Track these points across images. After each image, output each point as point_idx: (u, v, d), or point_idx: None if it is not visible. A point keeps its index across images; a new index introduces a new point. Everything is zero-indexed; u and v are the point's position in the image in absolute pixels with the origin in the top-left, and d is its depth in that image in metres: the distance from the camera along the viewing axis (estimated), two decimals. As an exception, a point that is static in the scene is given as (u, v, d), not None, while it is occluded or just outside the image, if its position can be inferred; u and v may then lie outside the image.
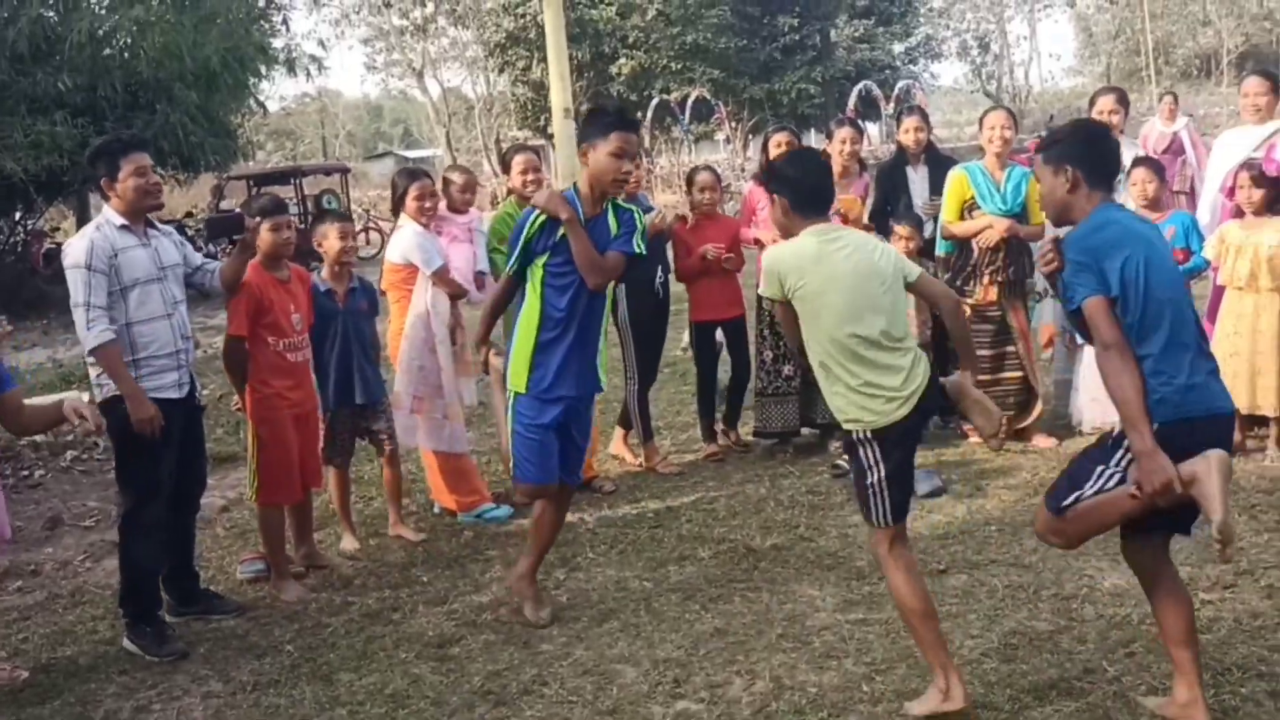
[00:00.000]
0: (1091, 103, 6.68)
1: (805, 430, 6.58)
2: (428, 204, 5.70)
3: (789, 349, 6.42)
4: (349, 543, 5.51)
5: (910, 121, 6.99)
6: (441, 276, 5.60)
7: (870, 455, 3.46)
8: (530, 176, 5.93)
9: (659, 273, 6.28)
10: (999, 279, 6.18)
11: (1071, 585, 4.36)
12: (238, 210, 5.30)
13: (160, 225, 4.71)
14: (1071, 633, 3.98)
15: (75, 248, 4.42)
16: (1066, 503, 3.30)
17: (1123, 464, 3.20)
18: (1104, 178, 3.30)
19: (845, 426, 3.51)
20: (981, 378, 6.14)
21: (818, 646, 4.03)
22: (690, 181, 6.72)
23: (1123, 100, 6.56)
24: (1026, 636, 3.97)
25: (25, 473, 7.30)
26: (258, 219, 4.86)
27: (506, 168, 6.13)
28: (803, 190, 3.61)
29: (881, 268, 3.51)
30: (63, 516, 6.39)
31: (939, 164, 6.81)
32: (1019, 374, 6.26)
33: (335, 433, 5.45)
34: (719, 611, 4.41)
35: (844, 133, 6.80)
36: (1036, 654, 3.84)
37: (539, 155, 6.23)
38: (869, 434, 3.44)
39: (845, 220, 6.47)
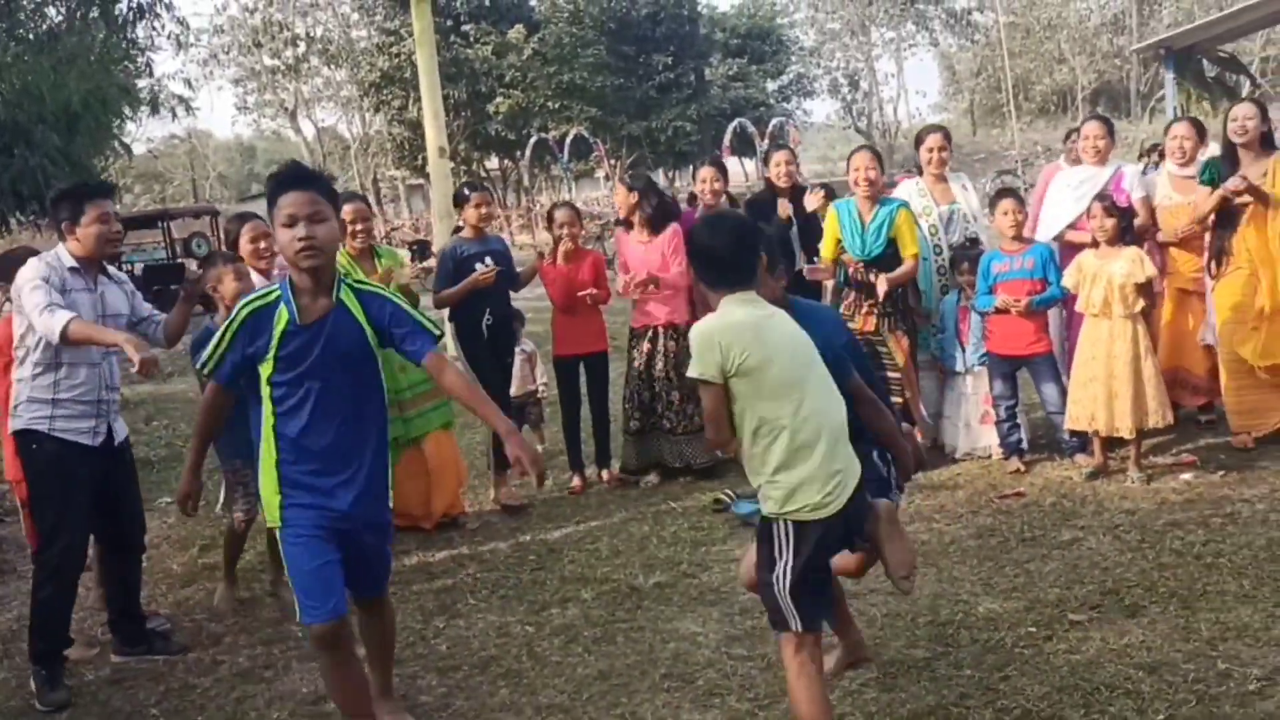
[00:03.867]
0: (919, 141, 6.92)
1: (683, 479, 6.60)
2: (263, 245, 5.39)
3: (666, 390, 6.52)
4: (224, 601, 5.31)
5: (780, 156, 7.31)
6: None
7: (783, 546, 3.17)
8: (359, 227, 5.92)
9: (485, 314, 6.34)
10: (875, 310, 6.36)
11: (947, 612, 4.44)
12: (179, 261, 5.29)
13: (114, 273, 4.73)
14: (948, 659, 4.04)
15: (29, 269, 4.42)
16: None
17: None
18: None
19: (767, 513, 3.20)
20: None
21: (701, 685, 4.01)
22: (550, 219, 6.79)
23: (948, 137, 6.89)
24: (905, 665, 4.02)
25: None
26: (200, 272, 4.83)
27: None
28: (716, 262, 3.25)
29: (807, 341, 3.24)
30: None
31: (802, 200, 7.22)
32: (900, 400, 6.38)
33: (238, 483, 5.21)
34: (602, 654, 4.36)
35: (705, 172, 7.06)
36: (915, 682, 3.88)
37: (368, 204, 6.30)
38: (789, 525, 3.16)
39: None
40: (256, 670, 4.54)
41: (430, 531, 6.07)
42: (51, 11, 19.64)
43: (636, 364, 6.66)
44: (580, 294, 6.53)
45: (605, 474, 6.81)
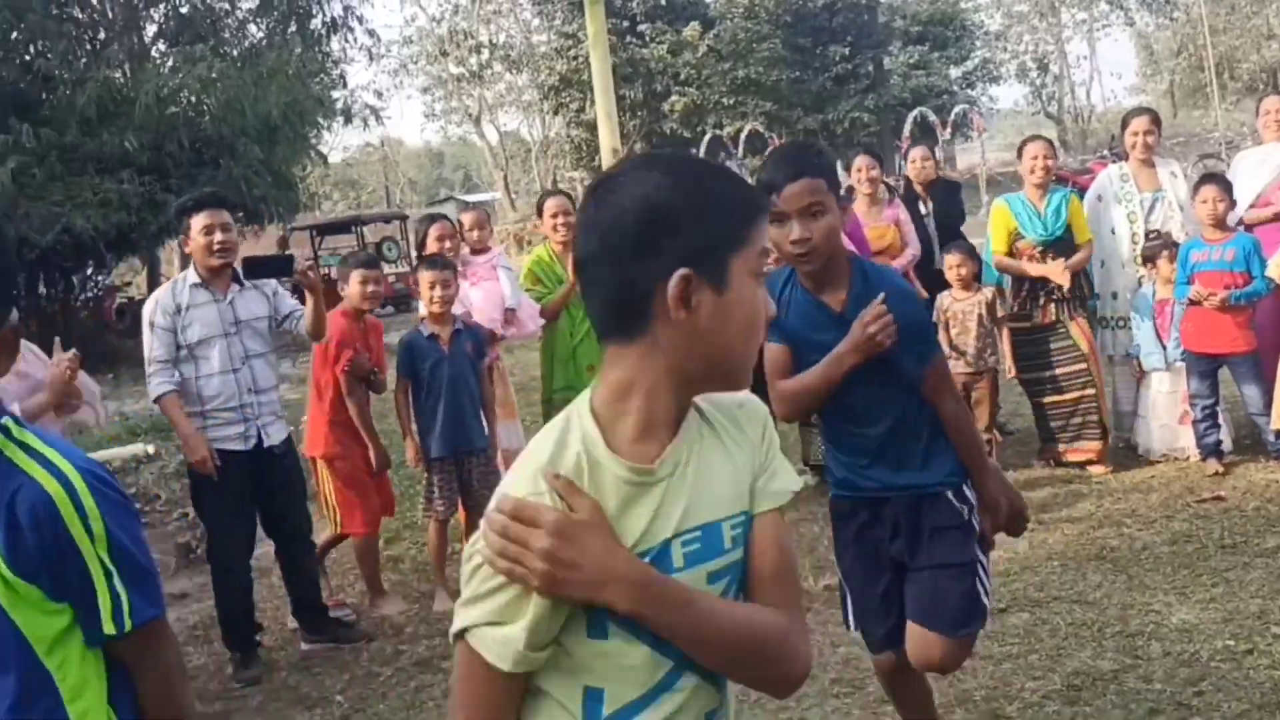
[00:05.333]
0: (1124, 124, 6.58)
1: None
2: (449, 245, 5.78)
3: None
4: (442, 603, 5.20)
5: (916, 153, 7.52)
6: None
7: None
8: (561, 221, 6.00)
9: None
10: (1054, 297, 6.18)
11: (1137, 622, 4.21)
12: (283, 253, 5.47)
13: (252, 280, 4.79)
14: (1137, 672, 3.83)
15: (146, 306, 4.71)
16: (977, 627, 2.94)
17: (978, 542, 2.93)
18: None
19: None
20: (1051, 399, 6.25)
21: (872, 692, 3.91)
22: None
23: (1156, 121, 6.49)
24: (1090, 677, 3.83)
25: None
26: (307, 263, 4.95)
27: (540, 213, 6.21)
28: None
29: None
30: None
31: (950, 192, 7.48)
32: (1093, 391, 6.17)
33: (439, 482, 5.24)
34: (771, 655, 4.31)
35: (861, 161, 6.98)
36: (1100, 695, 3.69)
37: (571, 200, 6.28)
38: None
39: (879, 252, 6.46)
40: (435, 660, 4.67)
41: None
42: (253, 29, 20.83)
43: None
44: None
45: None
